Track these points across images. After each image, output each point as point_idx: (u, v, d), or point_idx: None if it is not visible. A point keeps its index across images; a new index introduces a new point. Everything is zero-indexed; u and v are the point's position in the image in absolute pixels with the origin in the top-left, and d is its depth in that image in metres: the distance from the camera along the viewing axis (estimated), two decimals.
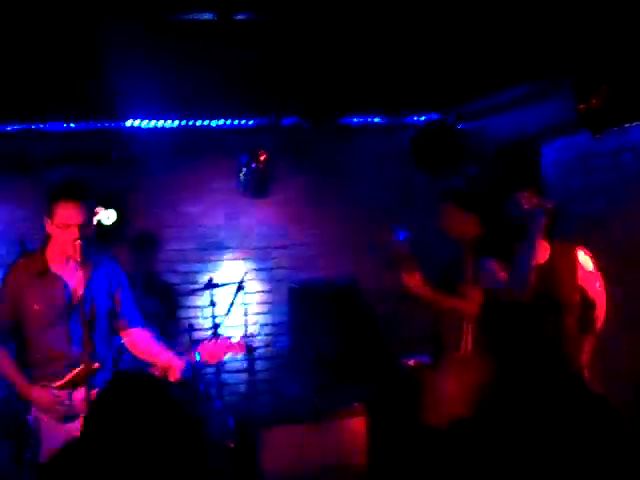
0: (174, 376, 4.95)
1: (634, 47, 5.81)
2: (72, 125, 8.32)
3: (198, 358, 5.07)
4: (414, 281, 6.30)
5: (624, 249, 7.05)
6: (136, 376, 5.41)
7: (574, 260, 5.53)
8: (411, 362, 7.99)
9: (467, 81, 7.48)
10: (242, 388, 8.95)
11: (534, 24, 5.79)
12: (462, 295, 6.17)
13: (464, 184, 7.53)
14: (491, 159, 8.26)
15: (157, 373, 4.96)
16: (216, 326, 7.83)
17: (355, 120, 8.88)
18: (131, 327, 5.19)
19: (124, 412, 4.24)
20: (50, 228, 4.89)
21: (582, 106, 6.34)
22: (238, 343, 5.22)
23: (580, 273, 5.53)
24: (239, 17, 5.53)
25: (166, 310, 7.73)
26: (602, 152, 7.49)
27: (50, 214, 4.85)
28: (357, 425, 6.92)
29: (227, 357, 5.36)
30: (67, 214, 4.80)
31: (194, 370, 7.15)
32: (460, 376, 6.13)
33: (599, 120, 6.32)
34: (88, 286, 4.94)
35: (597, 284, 5.62)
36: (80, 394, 4.85)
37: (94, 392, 4.59)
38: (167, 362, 5.01)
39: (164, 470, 4.19)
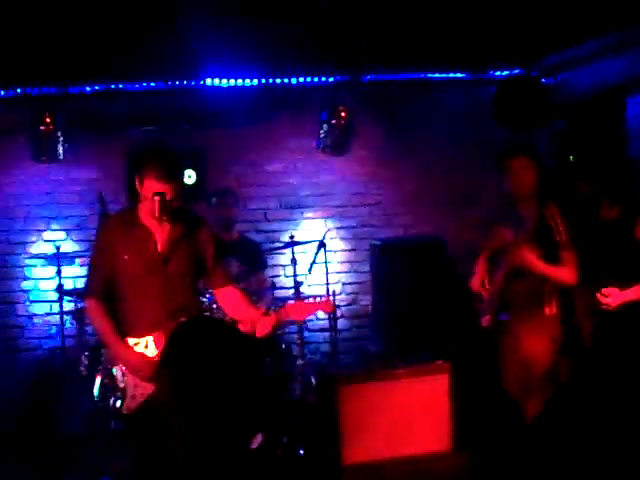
0: (263, 331, 4.98)
1: None
2: (152, 84, 8.36)
3: (285, 315, 5.09)
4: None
5: None
6: (206, 318, 5.52)
7: None
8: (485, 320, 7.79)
9: (549, 33, 7.36)
10: (324, 347, 8.98)
11: None
12: (558, 261, 5.92)
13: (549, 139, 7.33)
14: (575, 113, 8.11)
15: (246, 329, 5.00)
16: (298, 284, 7.85)
17: (436, 75, 8.80)
18: (221, 286, 5.26)
19: (195, 350, 4.33)
20: (140, 189, 4.96)
21: None
22: (325, 301, 5.22)
23: None
24: None
25: (249, 269, 7.74)
26: None
27: (140, 181, 4.93)
28: (440, 382, 6.85)
29: (313, 315, 5.38)
30: (155, 188, 4.87)
31: (280, 327, 7.19)
32: (541, 336, 6.00)
33: None
34: (175, 243, 5.04)
35: None
36: None
37: None
38: (256, 318, 5.04)
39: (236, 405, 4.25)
